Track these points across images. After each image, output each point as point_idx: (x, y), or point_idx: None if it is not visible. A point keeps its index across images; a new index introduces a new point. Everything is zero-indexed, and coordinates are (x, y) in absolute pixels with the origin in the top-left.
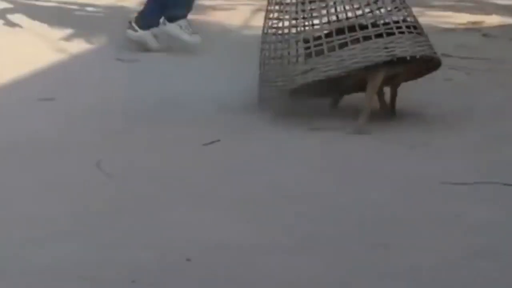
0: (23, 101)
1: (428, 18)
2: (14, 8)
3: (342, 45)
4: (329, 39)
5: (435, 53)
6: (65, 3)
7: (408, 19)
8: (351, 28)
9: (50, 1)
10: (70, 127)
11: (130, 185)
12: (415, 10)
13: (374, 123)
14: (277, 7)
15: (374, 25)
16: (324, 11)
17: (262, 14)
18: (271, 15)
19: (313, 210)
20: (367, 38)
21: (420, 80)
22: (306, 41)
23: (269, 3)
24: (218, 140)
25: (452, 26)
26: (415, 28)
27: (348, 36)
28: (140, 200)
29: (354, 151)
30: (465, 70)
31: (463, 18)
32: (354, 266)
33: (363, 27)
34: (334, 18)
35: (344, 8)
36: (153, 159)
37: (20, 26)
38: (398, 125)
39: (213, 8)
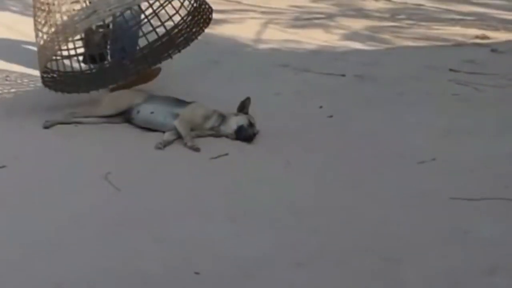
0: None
1: (436, 33)
2: None
3: None
4: None
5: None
6: None
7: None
8: None
9: None
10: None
11: (139, 199)
12: (423, 24)
13: (374, 138)
14: None
15: None
16: None
17: (274, 27)
18: None
19: (323, 224)
20: None
21: (427, 95)
22: None
23: None
24: (226, 154)
25: (460, 41)
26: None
27: None
28: (148, 213)
29: (361, 166)
30: (473, 85)
31: (471, 33)
32: (365, 281)
33: None
34: None
35: None
36: (161, 173)
37: None
38: (404, 140)
39: (224, 21)
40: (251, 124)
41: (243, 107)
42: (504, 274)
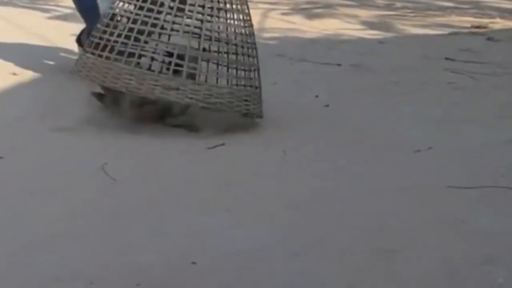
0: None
1: (432, 21)
2: None
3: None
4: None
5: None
6: None
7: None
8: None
9: None
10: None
11: (135, 189)
12: (419, 13)
13: (371, 128)
14: None
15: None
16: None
17: (273, 16)
18: None
19: (319, 215)
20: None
21: (423, 84)
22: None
23: None
24: (223, 144)
25: (456, 30)
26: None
27: (218, 69)
28: (145, 204)
29: (357, 156)
30: (469, 74)
31: (466, 22)
32: (360, 272)
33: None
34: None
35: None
36: (157, 163)
37: None
38: (400, 129)
39: None
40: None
41: None
42: (501, 264)
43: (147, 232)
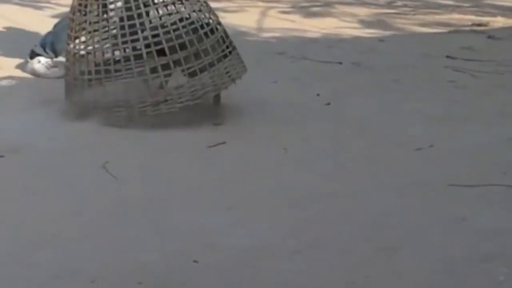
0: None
1: (432, 19)
2: None
3: (192, 74)
4: (179, 68)
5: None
6: None
7: (224, 32)
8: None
9: None
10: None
11: (136, 187)
12: (420, 11)
13: (372, 126)
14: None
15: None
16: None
17: (273, 14)
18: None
19: (320, 212)
20: (211, 64)
21: (424, 82)
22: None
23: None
24: (224, 142)
25: (457, 28)
26: (231, 41)
27: (195, 64)
28: (146, 202)
29: (359, 154)
30: (470, 72)
31: (467, 20)
32: (361, 269)
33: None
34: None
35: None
36: (158, 162)
37: None
38: (401, 127)
39: (222, 10)
40: None
41: None
42: (501, 261)
43: (148, 231)
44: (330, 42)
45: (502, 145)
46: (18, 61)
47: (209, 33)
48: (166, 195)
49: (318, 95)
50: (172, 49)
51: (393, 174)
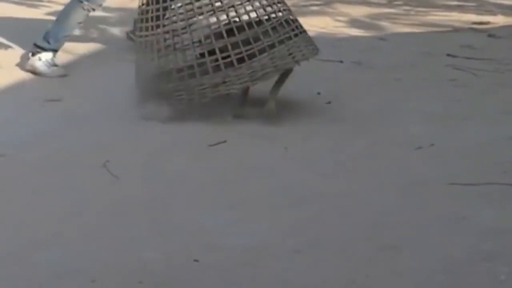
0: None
1: (433, 18)
2: None
3: (251, 56)
4: (237, 51)
5: (317, 48)
6: None
7: (291, 16)
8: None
9: None
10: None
11: (136, 186)
12: (420, 10)
13: (373, 125)
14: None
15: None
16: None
17: None
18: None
19: (321, 212)
20: (271, 46)
21: (425, 81)
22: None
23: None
24: (224, 141)
25: (457, 27)
26: (300, 25)
27: (254, 46)
28: (147, 201)
29: (359, 153)
30: (471, 71)
31: (468, 19)
32: (361, 268)
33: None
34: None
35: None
36: (159, 160)
37: None
38: (402, 126)
39: None
40: None
41: None
42: (502, 260)
43: (149, 230)
44: (331, 41)
45: (503, 144)
46: (17, 60)
47: (270, 15)
48: (166, 195)
49: (319, 93)
50: (230, 32)
51: (393, 173)
